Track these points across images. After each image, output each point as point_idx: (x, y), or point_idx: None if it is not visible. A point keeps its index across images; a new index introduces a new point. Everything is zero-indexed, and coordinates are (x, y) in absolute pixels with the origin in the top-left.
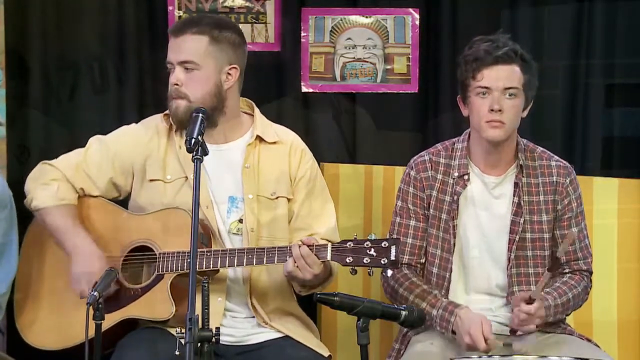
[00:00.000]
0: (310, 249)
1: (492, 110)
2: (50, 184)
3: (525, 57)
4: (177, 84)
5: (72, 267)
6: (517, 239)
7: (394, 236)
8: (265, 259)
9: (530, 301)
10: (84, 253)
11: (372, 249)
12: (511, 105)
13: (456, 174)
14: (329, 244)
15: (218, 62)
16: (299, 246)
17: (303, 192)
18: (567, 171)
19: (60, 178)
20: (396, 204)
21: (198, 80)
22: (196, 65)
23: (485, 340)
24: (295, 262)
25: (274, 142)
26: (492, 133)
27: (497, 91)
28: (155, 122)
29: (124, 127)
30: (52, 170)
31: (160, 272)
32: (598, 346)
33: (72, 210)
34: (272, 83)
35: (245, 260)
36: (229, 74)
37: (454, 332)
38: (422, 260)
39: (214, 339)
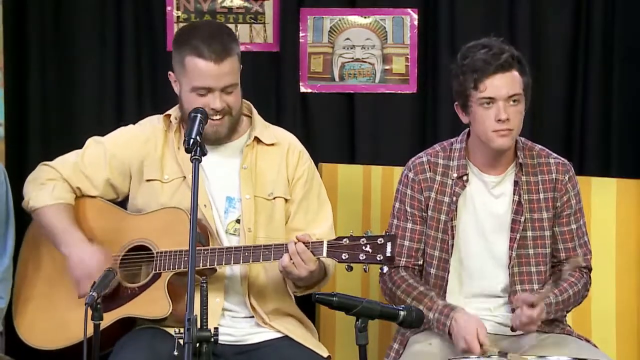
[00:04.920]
0: (305, 246)
1: (499, 120)
2: (46, 184)
3: (521, 59)
4: (221, 109)
5: (70, 269)
6: (517, 237)
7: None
8: (261, 256)
9: (532, 305)
10: (80, 254)
11: (368, 246)
12: (516, 111)
13: (455, 175)
14: (325, 241)
15: (239, 69)
16: (295, 243)
17: (300, 193)
18: (566, 168)
19: (57, 178)
20: (394, 205)
21: (236, 97)
22: (236, 84)
23: (481, 345)
24: (290, 258)
25: (272, 144)
26: (501, 142)
27: (502, 100)
28: (153, 123)
29: (122, 128)
30: (49, 170)
31: (157, 271)
32: (596, 347)
33: (68, 210)
34: (270, 83)
35: (241, 258)
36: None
37: (450, 334)
38: (420, 262)
39: (212, 339)
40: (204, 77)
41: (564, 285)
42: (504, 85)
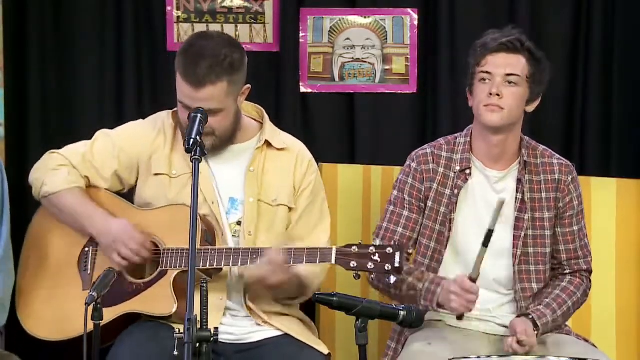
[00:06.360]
0: (310, 252)
1: (490, 94)
2: (59, 169)
3: (533, 50)
4: None
5: (100, 242)
6: (522, 235)
7: (385, 225)
8: None
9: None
10: (106, 226)
11: (377, 255)
12: (511, 92)
13: (458, 168)
14: (334, 248)
15: (235, 94)
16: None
17: (304, 203)
18: (569, 169)
19: (67, 164)
20: (392, 194)
21: (221, 120)
22: (219, 110)
23: (471, 279)
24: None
25: (282, 149)
26: (489, 117)
27: (499, 77)
28: (162, 119)
29: (131, 123)
30: (59, 157)
31: (163, 268)
32: (595, 346)
33: (84, 192)
34: (270, 83)
35: (249, 260)
36: (242, 94)
37: (439, 305)
38: (410, 251)
39: (212, 339)
40: (183, 94)
41: (563, 297)
42: (503, 64)
